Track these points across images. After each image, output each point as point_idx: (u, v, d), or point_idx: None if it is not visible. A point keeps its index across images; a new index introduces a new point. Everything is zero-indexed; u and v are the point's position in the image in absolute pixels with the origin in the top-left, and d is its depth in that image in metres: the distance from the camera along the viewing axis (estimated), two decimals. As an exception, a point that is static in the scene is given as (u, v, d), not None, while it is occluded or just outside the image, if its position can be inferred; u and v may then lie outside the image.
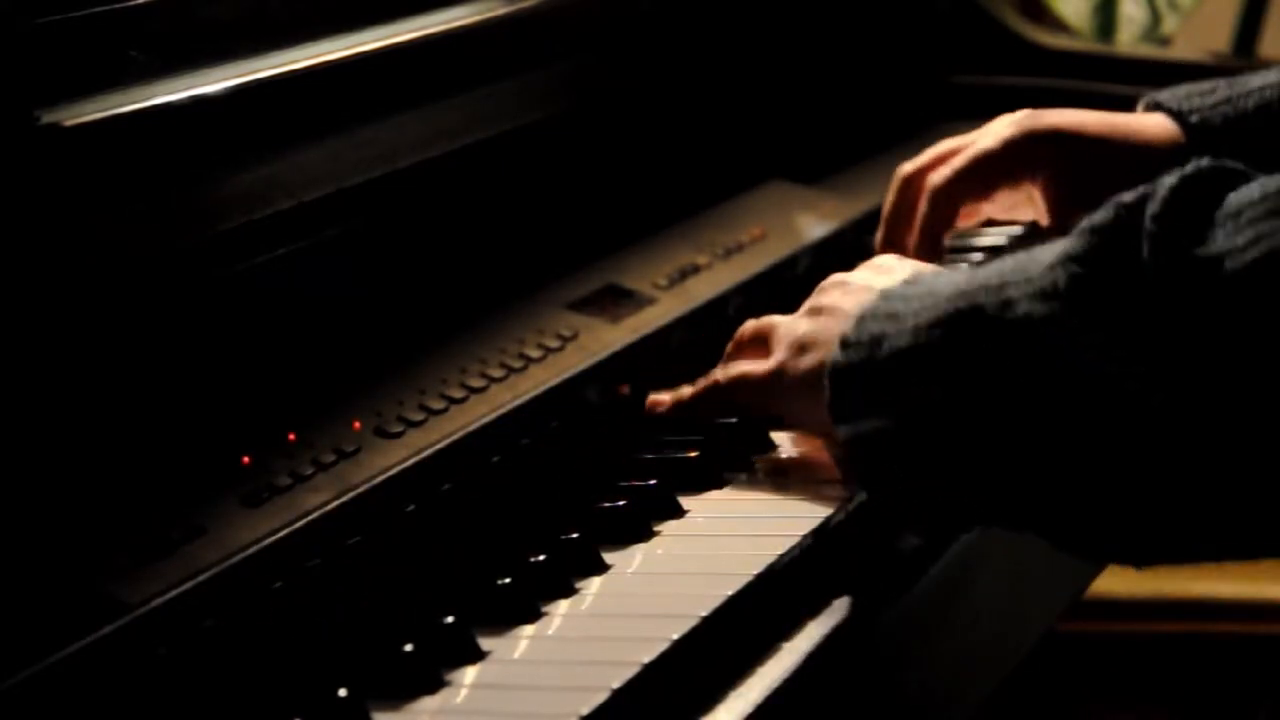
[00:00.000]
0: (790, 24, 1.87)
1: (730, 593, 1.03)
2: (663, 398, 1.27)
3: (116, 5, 1.18)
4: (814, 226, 1.65)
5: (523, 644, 1.02)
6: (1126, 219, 0.96)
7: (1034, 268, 0.99)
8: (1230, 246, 0.93)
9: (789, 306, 1.53)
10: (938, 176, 1.40)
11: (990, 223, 1.52)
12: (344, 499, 1.13)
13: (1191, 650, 2.39)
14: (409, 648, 0.98)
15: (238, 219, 1.21)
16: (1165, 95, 1.42)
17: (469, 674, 0.99)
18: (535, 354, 1.32)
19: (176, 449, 1.12)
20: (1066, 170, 1.39)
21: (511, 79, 1.46)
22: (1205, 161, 0.98)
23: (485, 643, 1.01)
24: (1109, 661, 2.40)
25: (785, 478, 1.20)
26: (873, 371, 1.06)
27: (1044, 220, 1.44)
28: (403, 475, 1.17)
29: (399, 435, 1.19)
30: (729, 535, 1.13)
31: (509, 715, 0.96)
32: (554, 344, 1.34)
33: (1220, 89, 1.41)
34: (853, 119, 1.93)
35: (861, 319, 1.08)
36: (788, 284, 1.56)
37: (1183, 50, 2.74)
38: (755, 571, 1.06)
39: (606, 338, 1.37)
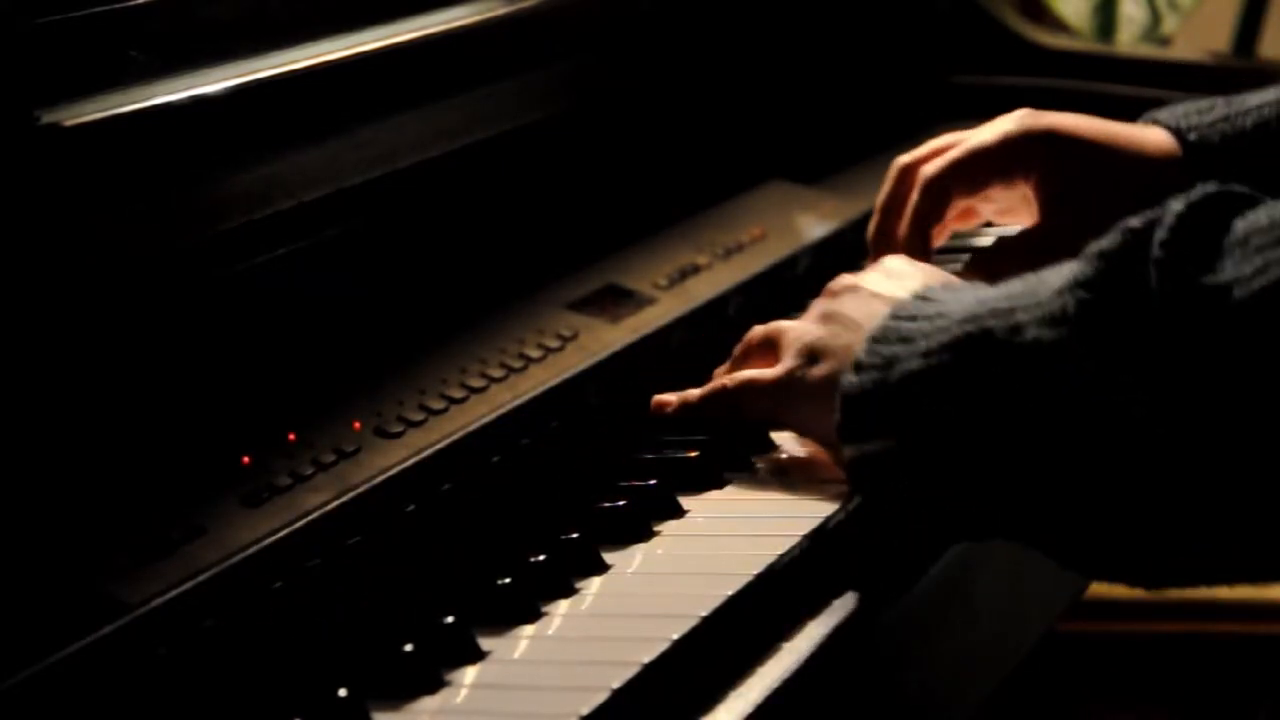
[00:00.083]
0: (790, 24, 1.87)
1: (730, 593, 1.03)
2: (669, 399, 1.27)
3: (116, 5, 1.18)
4: (814, 226, 1.65)
5: (523, 644, 1.02)
6: (1134, 244, 0.97)
7: (1043, 292, 1.00)
8: (1238, 275, 0.93)
9: (789, 306, 1.53)
10: (931, 168, 1.40)
11: (986, 225, 1.52)
12: (344, 499, 1.13)
13: (1191, 650, 2.39)
14: (409, 648, 0.98)
15: (238, 219, 1.21)
16: (1163, 113, 1.42)
17: (469, 674, 0.99)
18: (535, 354, 1.32)
19: (176, 449, 1.12)
20: (1061, 172, 1.39)
21: (511, 79, 1.45)
22: (1212, 186, 0.98)
23: (485, 643, 1.01)
24: (1109, 661, 2.40)
25: (785, 478, 1.20)
26: (885, 395, 1.06)
27: (1036, 221, 1.44)
28: (403, 475, 1.17)
29: (399, 435, 1.19)
30: (729, 535, 1.13)
31: (509, 715, 0.96)
32: (554, 344, 1.34)
33: (1218, 107, 1.41)
34: (853, 119, 1.93)
35: (874, 340, 1.08)
36: (788, 284, 1.56)
37: (1183, 50, 2.74)
38: (755, 571, 1.06)
39: (606, 338, 1.37)
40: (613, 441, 1.28)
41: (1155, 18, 2.75)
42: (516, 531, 1.13)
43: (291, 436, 1.16)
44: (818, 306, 1.20)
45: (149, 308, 1.16)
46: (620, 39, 1.60)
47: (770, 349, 1.22)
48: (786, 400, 1.18)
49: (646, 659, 0.96)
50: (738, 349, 1.26)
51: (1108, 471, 0.98)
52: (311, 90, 1.27)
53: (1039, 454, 1.00)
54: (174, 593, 1.01)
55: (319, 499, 1.12)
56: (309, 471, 1.14)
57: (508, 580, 1.05)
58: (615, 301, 1.43)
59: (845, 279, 1.22)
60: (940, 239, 1.44)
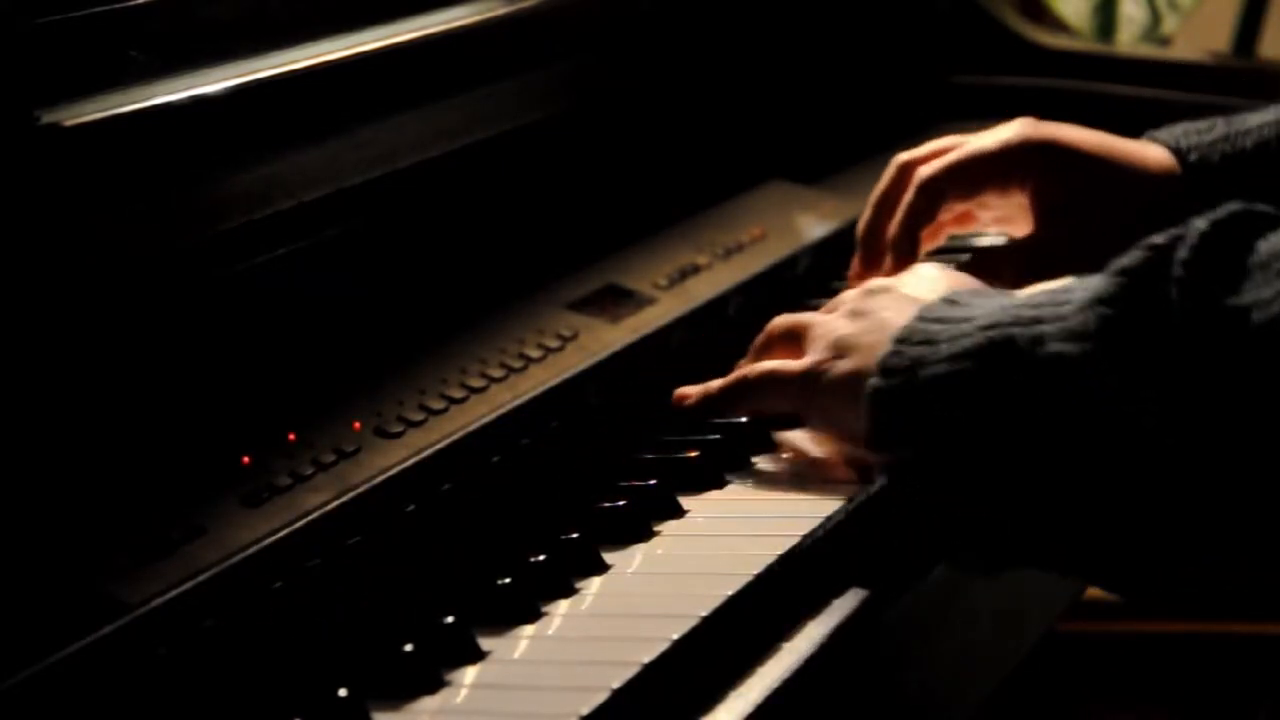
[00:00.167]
0: (790, 24, 1.87)
1: (730, 593, 1.03)
2: (690, 392, 1.26)
3: (116, 5, 1.18)
4: (814, 226, 1.65)
5: (523, 644, 1.02)
6: (1157, 262, 0.97)
7: (1067, 305, 1.00)
8: (1258, 298, 0.93)
9: (789, 306, 1.53)
10: (928, 169, 1.40)
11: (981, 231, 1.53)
12: (344, 499, 1.13)
13: (1191, 650, 2.39)
14: (409, 648, 0.98)
15: (238, 219, 1.21)
16: (1163, 132, 1.42)
17: (469, 674, 0.99)
18: (535, 354, 1.32)
19: (176, 449, 1.12)
20: (1059, 183, 1.39)
21: (511, 79, 1.45)
22: (1236, 205, 0.98)
23: (485, 643, 1.01)
24: (1109, 661, 2.40)
25: (785, 478, 1.21)
26: (911, 397, 1.06)
27: (1032, 231, 1.44)
28: (403, 475, 1.17)
29: (399, 435, 1.19)
30: (729, 535, 1.13)
31: (509, 715, 0.96)
32: (554, 344, 1.34)
33: (1218, 127, 1.41)
34: (853, 119, 1.93)
35: (901, 341, 1.08)
36: (788, 284, 1.56)
37: (1183, 50, 2.74)
38: (755, 571, 1.06)
39: (606, 338, 1.37)
40: (613, 441, 1.28)
41: (1155, 18, 2.75)
42: (516, 531, 1.13)
43: (291, 436, 1.16)
44: (847, 303, 1.20)
45: (149, 308, 1.16)
46: (620, 39, 1.60)
47: (794, 341, 1.22)
48: (810, 394, 1.17)
49: (646, 659, 0.96)
50: (760, 338, 1.26)
51: (1122, 486, 0.98)
52: (311, 90, 1.27)
53: (1055, 466, 1.00)
54: (174, 593, 1.01)
55: (319, 499, 1.12)
56: (309, 471, 1.14)
57: (508, 580, 1.05)
58: (615, 301, 1.43)
59: (880, 280, 1.22)
60: (931, 242, 1.44)
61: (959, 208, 1.43)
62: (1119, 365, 0.97)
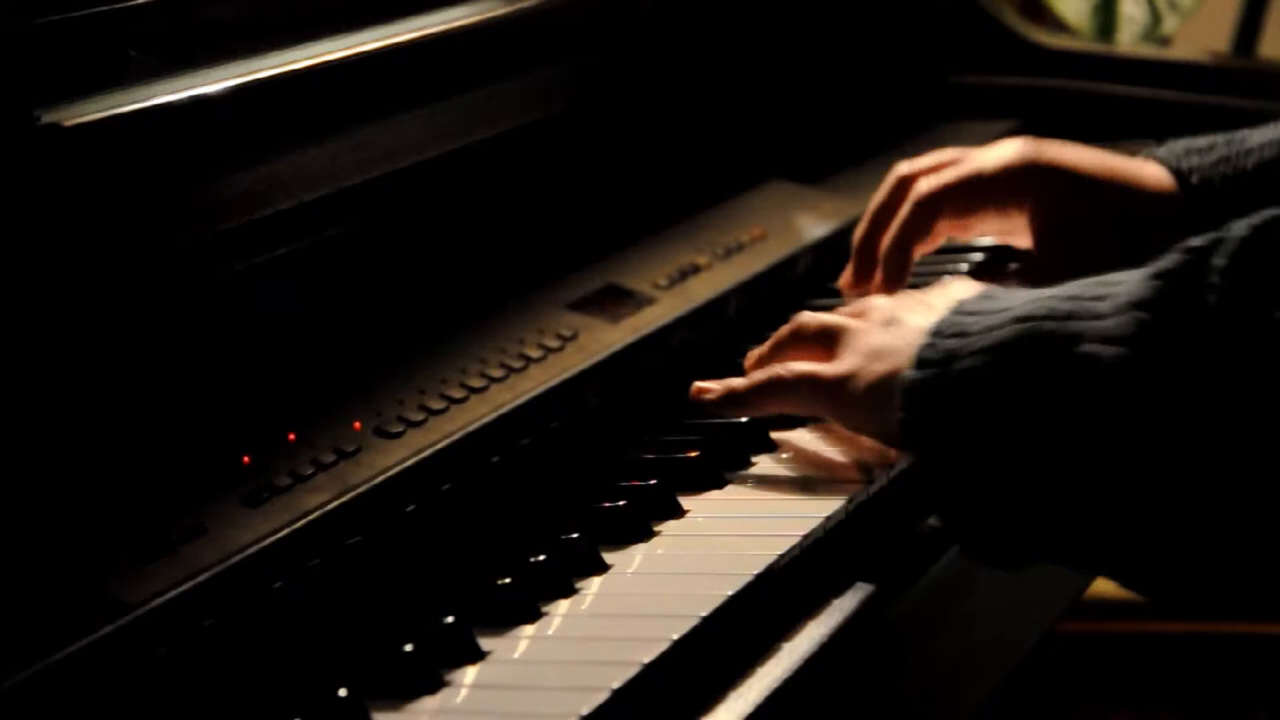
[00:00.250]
0: (790, 24, 1.87)
1: (730, 593, 1.03)
2: (711, 386, 1.25)
3: (116, 5, 1.18)
4: (814, 226, 1.65)
5: (523, 644, 1.02)
6: (1195, 266, 0.97)
7: (1103, 304, 1.00)
8: None
9: (789, 306, 1.53)
10: (925, 186, 1.39)
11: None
12: (344, 499, 1.13)
13: (1191, 650, 2.39)
14: (409, 648, 0.98)
15: (238, 219, 1.21)
16: (1163, 151, 1.41)
17: (469, 674, 0.99)
18: (535, 354, 1.32)
19: (176, 449, 1.12)
20: (1058, 206, 1.38)
21: (511, 79, 1.45)
22: (1273, 212, 0.98)
23: (485, 643, 1.01)
24: (1109, 661, 2.40)
25: (785, 478, 1.21)
26: (944, 390, 1.06)
27: (1030, 249, 1.43)
28: (403, 475, 1.17)
29: (399, 435, 1.19)
30: (729, 535, 1.13)
31: (509, 715, 0.96)
32: (554, 344, 1.34)
33: (1219, 147, 1.40)
34: (853, 119, 1.93)
35: (936, 333, 1.08)
36: (788, 284, 1.56)
37: (1183, 50, 2.74)
38: (755, 571, 1.06)
39: (606, 338, 1.37)
40: (613, 441, 1.28)
41: (1155, 18, 2.75)
42: (516, 531, 1.14)
43: (291, 436, 1.16)
44: (880, 310, 1.19)
45: (149, 308, 1.16)
46: (620, 39, 1.60)
47: (826, 343, 1.21)
48: (844, 398, 1.16)
49: (646, 659, 0.96)
50: (785, 333, 1.25)
51: (1151, 489, 0.98)
52: (311, 90, 1.27)
53: (1085, 465, 1.00)
54: (174, 593, 1.01)
55: (319, 499, 1.12)
56: (309, 471, 1.14)
57: (508, 580, 1.05)
58: (615, 301, 1.43)
59: (915, 294, 1.22)
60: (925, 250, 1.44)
61: (952, 225, 1.42)
62: (1154, 372, 0.97)
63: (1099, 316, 1.00)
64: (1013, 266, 1.47)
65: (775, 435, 1.25)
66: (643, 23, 1.63)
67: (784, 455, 1.23)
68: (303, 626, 1.05)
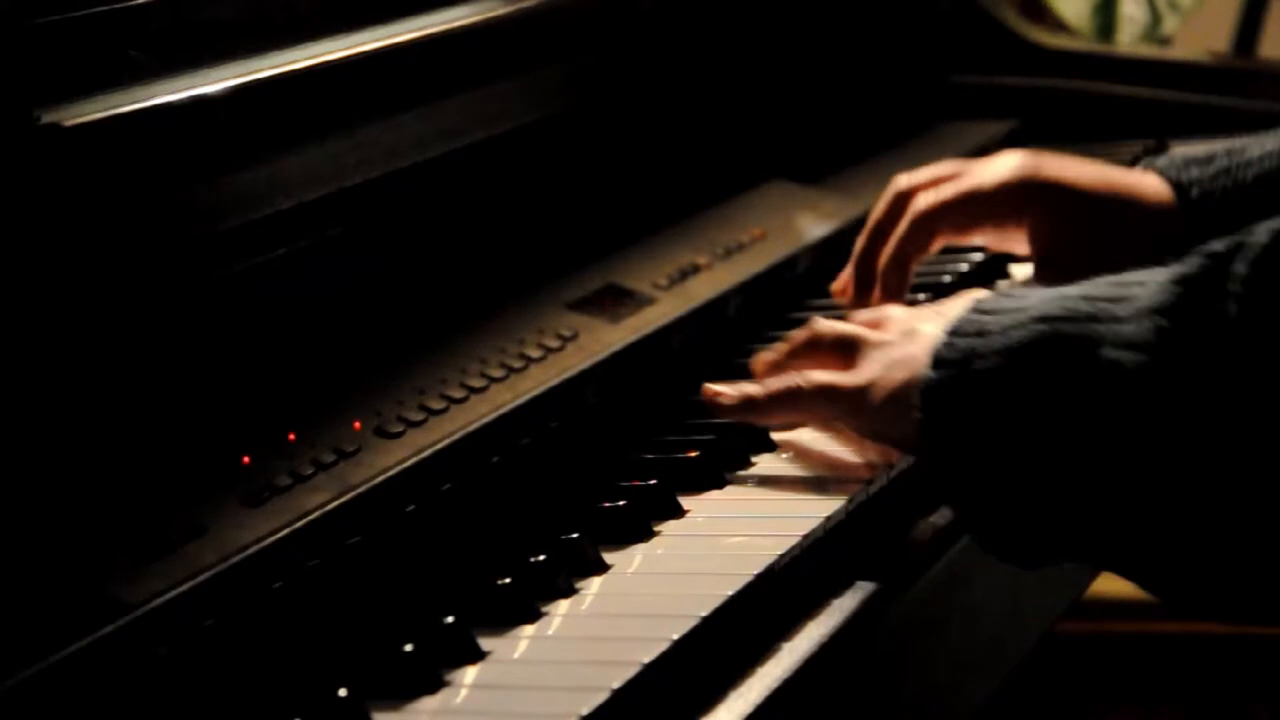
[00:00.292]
0: (790, 24, 1.87)
1: (730, 593, 1.03)
2: (724, 390, 1.24)
3: (116, 5, 1.18)
4: (814, 226, 1.65)
5: (523, 644, 1.02)
6: (1215, 273, 0.96)
7: (1124, 306, 0.99)
8: None
9: (789, 306, 1.53)
10: (923, 201, 1.39)
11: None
12: (344, 499, 1.13)
13: (1191, 650, 2.39)
14: (409, 648, 0.98)
15: (238, 219, 1.21)
16: (1164, 162, 1.41)
17: (469, 674, 0.99)
18: (535, 354, 1.32)
19: (176, 449, 1.12)
20: (1057, 223, 1.37)
21: (511, 79, 1.45)
22: None
23: (485, 643, 1.01)
24: (1109, 661, 2.40)
25: (785, 478, 1.21)
26: (964, 390, 1.05)
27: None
28: (403, 475, 1.16)
29: (399, 435, 1.19)
30: (729, 535, 1.13)
31: (509, 715, 0.96)
32: (554, 344, 1.34)
33: (1219, 159, 1.40)
34: (853, 119, 1.93)
35: (954, 332, 1.07)
36: (788, 284, 1.56)
37: (1183, 50, 2.74)
38: (755, 571, 1.06)
39: (606, 338, 1.37)
40: (613, 441, 1.28)
41: (1155, 18, 2.75)
42: (516, 531, 1.14)
43: (291, 436, 1.16)
44: (898, 322, 1.19)
45: (149, 308, 1.16)
46: (620, 39, 1.60)
47: (841, 352, 1.20)
48: (864, 407, 1.16)
49: (646, 659, 0.96)
50: (798, 341, 1.24)
51: (1169, 492, 0.98)
52: (311, 90, 1.27)
53: (1103, 468, 1.00)
54: (174, 593, 1.01)
55: (319, 499, 1.12)
56: (309, 471, 1.14)
57: (508, 580, 1.05)
58: (615, 301, 1.42)
59: (933, 305, 1.21)
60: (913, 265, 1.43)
61: (947, 238, 1.42)
62: (1174, 379, 0.96)
63: (1119, 320, 0.99)
64: (1016, 275, 1.47)
65: (775, 435, 1.25)
66: (643, 23, 1.63)
67: (784, 455, 1.23)
68: (303, 626, 1.05)
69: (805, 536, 1.10)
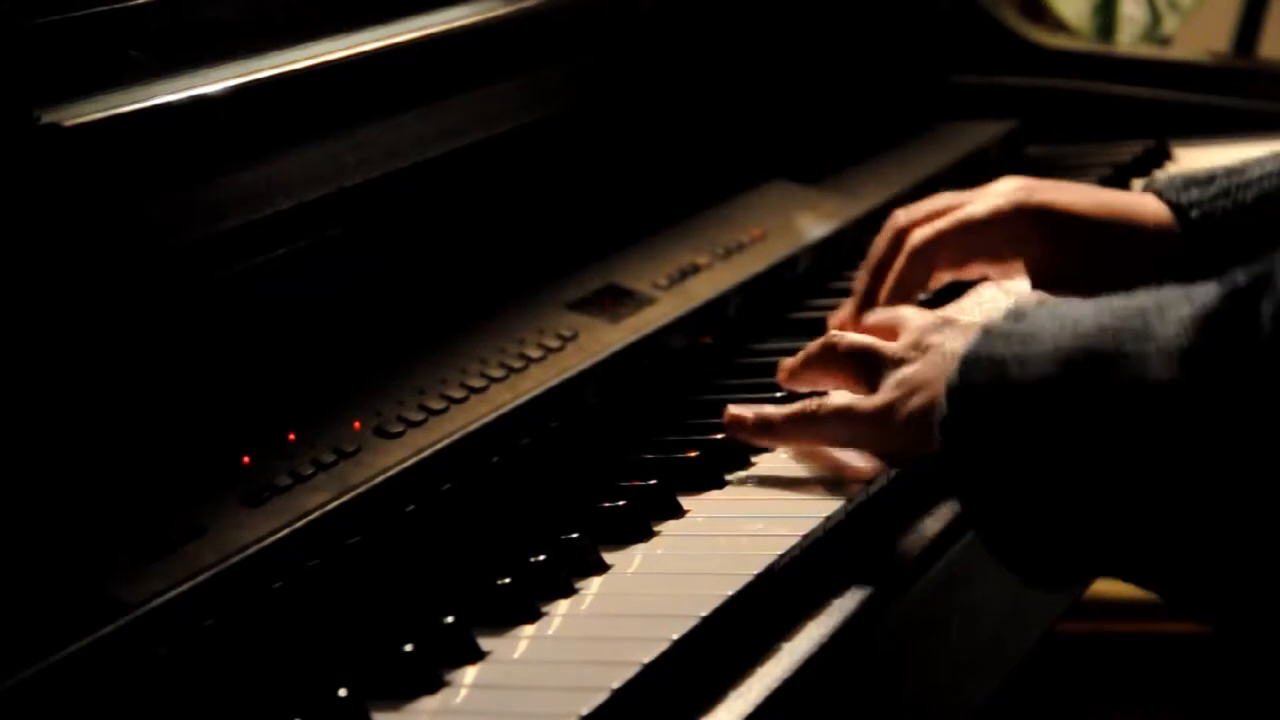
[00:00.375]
0: (791, 24, 1.87)
1: (730, 593, 1.03)
2: (744, 415, 1.23)
3: (116, 5, 1.18)
4: (814, 226, 1.65)
5: (523, 644, 1.02)
6: (1243, 312, 0.94)
7: (1149, 347, 0.97)
8: None
9: (789, 306, 1.53)
10: (918, 236, 1.38)
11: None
12: (344, 499, 1.13)
13: (1192, 650, 2.39)
14: (409, 648, 0.98)
15: (238, 219, 1.21)
16: (1163, 184, 1.40)
17: (469, 674, 0.99)
18: (535, 354, 1.32)
19: (176, 449, 1.12)
20: (1052, 248, 1.36)
21: (511, 79, 1.45)
22: None
23: (485, 643, 1.01)
24: (1109, 661, 2.40)
25: (785, 478, 1.20)
26: (984, 428, 1.04)
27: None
28: (403, 475, 1.16)
29: (399, 435, 1.19)
30: (729, 535, 1.13)
31: (509, 715, 0.96)
32: (554, 344, 1.34)
33: (1219, 179, 1.39)
34: (853, 119, 1.93)
35: (969, 361, 1.05)
36: (788, 284, 1.56)
37: (1183, 50, 2.74)
38: (755, 571, 1.06)
39: (606, 338, 1.37)
40: (613, 441, 1.28)
41: (1155, 18, 2.75)
42: (516, 531, 1.13)
43: (291, 436, 1.16)
44: (911, 332, 1.17)
45: (149, 308, 1.16)
46: (620, 39, 1.60)
47: (857, 364, 1.19)
48: (883, 432, 1.15)
49: (646, 659, 0.96)
50: (813, 351, 1.23)
51: (1208, 516, 0.96)
52: (311, 90, 1.27)
53: (1131, 508, 0.98)
54: (174, 593, 1.01)
55: (319, 499, 1.12)
56: (309, 471, 1.14)
57: (508, 580, 1.05)
58: (615, 301, 1.43)
59: (939, 313, 1.20)
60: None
61: (949, 275, 1.41)
62: (1202, 424, 0.94)
63: (1144, 358, 0.97)
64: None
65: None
66: (643, 23, 1.63)
67: (784, 455, 1.23)
68: (303, 626, 1.05)
69: (805, 536, 1.10)
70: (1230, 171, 1.38)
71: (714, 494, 1.19)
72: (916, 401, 1.13)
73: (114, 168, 1.14)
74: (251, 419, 1.17)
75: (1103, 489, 0.99)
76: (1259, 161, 1.39)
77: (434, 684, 0.97)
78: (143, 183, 1.16)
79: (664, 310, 1.43)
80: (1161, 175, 1.42)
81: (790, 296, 1.55)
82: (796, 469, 1.21)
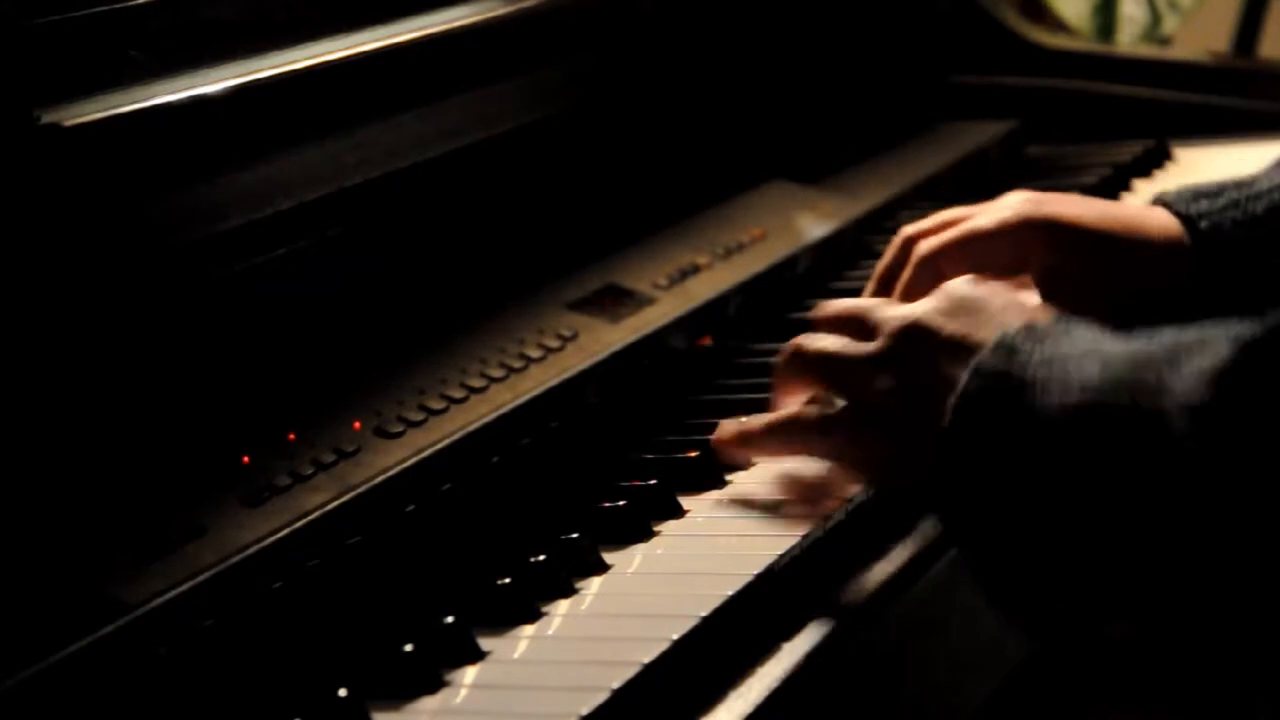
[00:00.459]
0: (791, 24, 1.87)
1: (730, 593, 1.03)
2: (728, 432, 1.21)
3: (116, 5, 1.18)
4: (814, 226, 1.65)
5: (523, 644, 1.02)
6: (1258, 371, 0.93)
7: (1167, 402, 0.95)
8: None
9: (789, 306, 1.53)
10: (925, 246, 1.37)
11: None
12: (344, 499, 1.13)
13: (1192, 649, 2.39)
14: (409, 648, 0.98)
15: (238, 219, 1.21)
16: (1172, 195, 1.39)
17: (469, 674, 0.99)
18: (535, 354, 1.32)
19: (176, 449, 1.12)
20: (1059, 259, 1.35)
21: (511, 79, 1.45)
22: None
23: (485, 643, 1.01)
24: (1109, 661, 2.40)
25: (785, 478, 1.20)
26: (989, 494, 1.01)
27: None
28: (403, 475, 1.17)
29: (399, 435, 1.19)
30: (729, 535, 1.13)
31: (509, 715, 0.96)
32: (554, 344, 1.34)
33: (1228, 191, 1.38)
34: (853, 119, 1.93)
35: (963, 425, 1.02)
36: (788, 284, 1.56)
37: (1183, 50, 2.74)
38: (755, 571, 1.06)
39: (606, 338, 1.37)
40: (613, 441, 1.28)
41: (1155, 18, 2.75)
42: (516, 531, 1.13)
43: (291, 436, 1.16)
44: (882, 341, 1.12)
45: (149, 308, 1.16)
46: (620, 39, 1.60)
47: (829, 376, 1.15)
48: (856, 447, 1.12)
49: (646, 659, 0.96)
50: (781, 365, 1.20)
51: (1222, 571, 0.95)
52: (311, 90, 1.27)
53: (1143, 544, 0.96)
54: (174, 593, 1.01)
55: (319, 499, 1.12)
56: (309, 471, 1.14)
57: (508, 580, 1.05)
58: (615, 301, 1.43)
59: (910, 316, 1.12)
60: None
61: None
62: (1228, 448, 0.93)
63: (1163, 415, 0.95)
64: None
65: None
66: (643, 23, 1.63)
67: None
68: (303, 626, 1.05)
69: (805, 536, 1.10)
70: (1240, 184, 1.38)
71: (714, 494, 1.19)
72: (911, 460, 1.08)
73: (114, 168, 1.14)
74: (251, 419, 1.17)
75: (1108, 544, 0.98)
76: (1268, 174, 1.39)
77: (434, 684, 0.97)
78: (143, 183, 1.16)
79: (664, 310, 1.43)
80: (1170, 188, 1.42)
81: (790, 296, 1.55)
82: (798, 469, 1.21)
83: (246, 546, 1.06)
